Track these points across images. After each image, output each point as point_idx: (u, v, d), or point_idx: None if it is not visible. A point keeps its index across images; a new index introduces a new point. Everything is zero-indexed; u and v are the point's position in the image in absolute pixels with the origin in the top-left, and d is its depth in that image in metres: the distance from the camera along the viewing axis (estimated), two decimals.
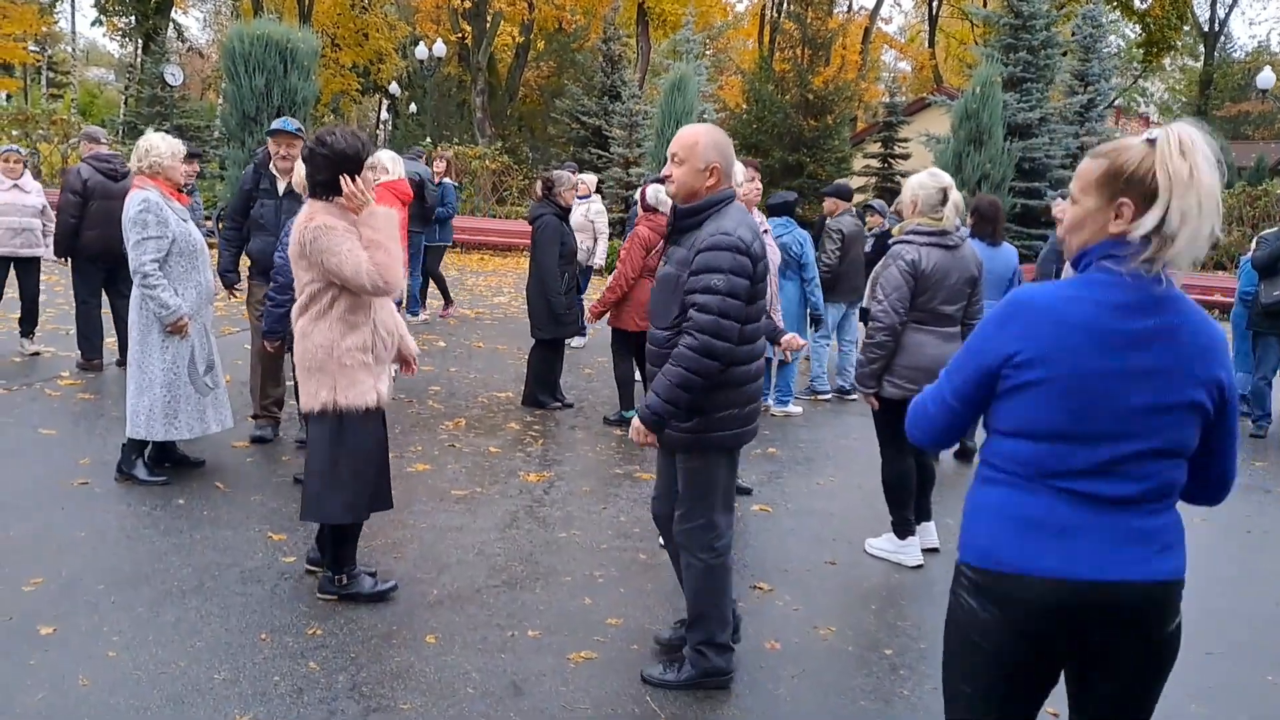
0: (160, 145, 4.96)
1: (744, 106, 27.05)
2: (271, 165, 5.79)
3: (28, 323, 7.92)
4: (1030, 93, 18.51)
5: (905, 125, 28.54)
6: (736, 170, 4.18)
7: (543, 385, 7.36)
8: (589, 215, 10.03)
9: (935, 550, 4.79)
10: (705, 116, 18.37)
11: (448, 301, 11.24)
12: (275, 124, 5.89)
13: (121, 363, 7.55)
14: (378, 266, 3.57)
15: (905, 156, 28.22)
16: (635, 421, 3.19)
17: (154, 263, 4.85)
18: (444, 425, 6.63)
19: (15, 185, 7.74)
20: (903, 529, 4.62)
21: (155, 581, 3.88)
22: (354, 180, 3.63)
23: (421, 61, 26.02)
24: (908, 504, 4.60)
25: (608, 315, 6.94)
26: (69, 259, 7.46)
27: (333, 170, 3.62)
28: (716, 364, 3.05)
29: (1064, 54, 19.53)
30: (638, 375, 7.13)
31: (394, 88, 31.84)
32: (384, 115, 45.08)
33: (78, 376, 7.24)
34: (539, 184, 7.83)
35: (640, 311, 6.77)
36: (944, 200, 4.29)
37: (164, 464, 5.21)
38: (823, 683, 3.48)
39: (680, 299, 3.11)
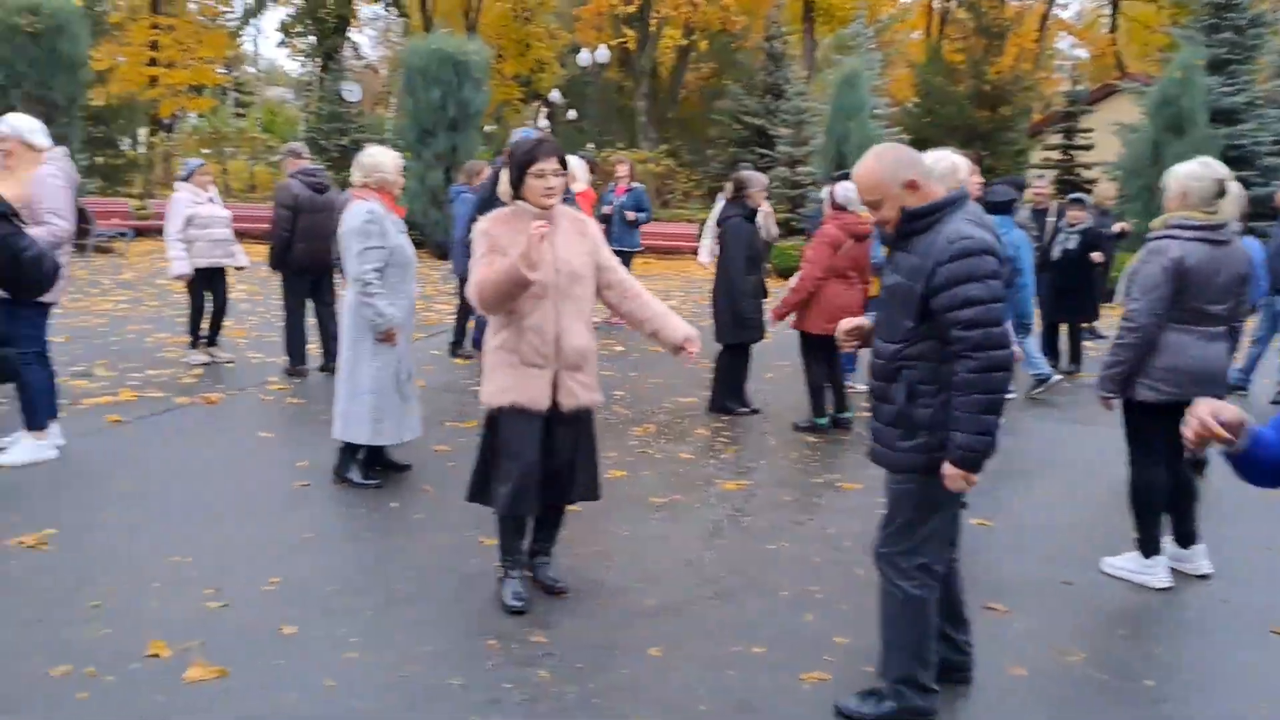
0: (386, 161, 5.12)
1: (913, 100, 26.22)
2: None
3: (214, 331, 8.28)
4: (1236, 75, 17.12)
5: (1088, 114, 27.02)
6: (959, 165, 3.90)
7: (729, 391, 7.23)
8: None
9: (1205, 577, 4.37)
10: (876, 111, 17.83)
11: None
12: (520, 134, 5.95)
13: (324, 369, 7.88)
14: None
15: (1088, 147, 26.70)
16: (948, 469, 2.90)
17: (375, 272, 4.98)
18: (633, 431, 6.59)
19: (210, 199, 8.17)
20: (1149, 547, 4.24)
21: (381, 585, 3.96)
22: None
23: (584, 68, 26.40)
24: (1156, 519, 4.22)
25: (791, 318, 6.76)
26: (279, 270, 7.78)
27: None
28: (1005, 374, 2.83)
29: (1274, 33, 17.99)
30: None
31: (554, 95, 32.39)
32: (542, 123, 46.12)
33: (285, 382, 7.59)
34: (729, 184, 7.70)
35: (827, 314, 6.55)
36: (1220, 193, 3.91)
37: (374, 468, 5.35)
38: (1078, 715, 3.20)
39: (912, 311, 2.89)
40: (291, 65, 46.83)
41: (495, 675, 3.29)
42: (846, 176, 7.63)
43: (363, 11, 36.25)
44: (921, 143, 24.14)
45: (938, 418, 2.90)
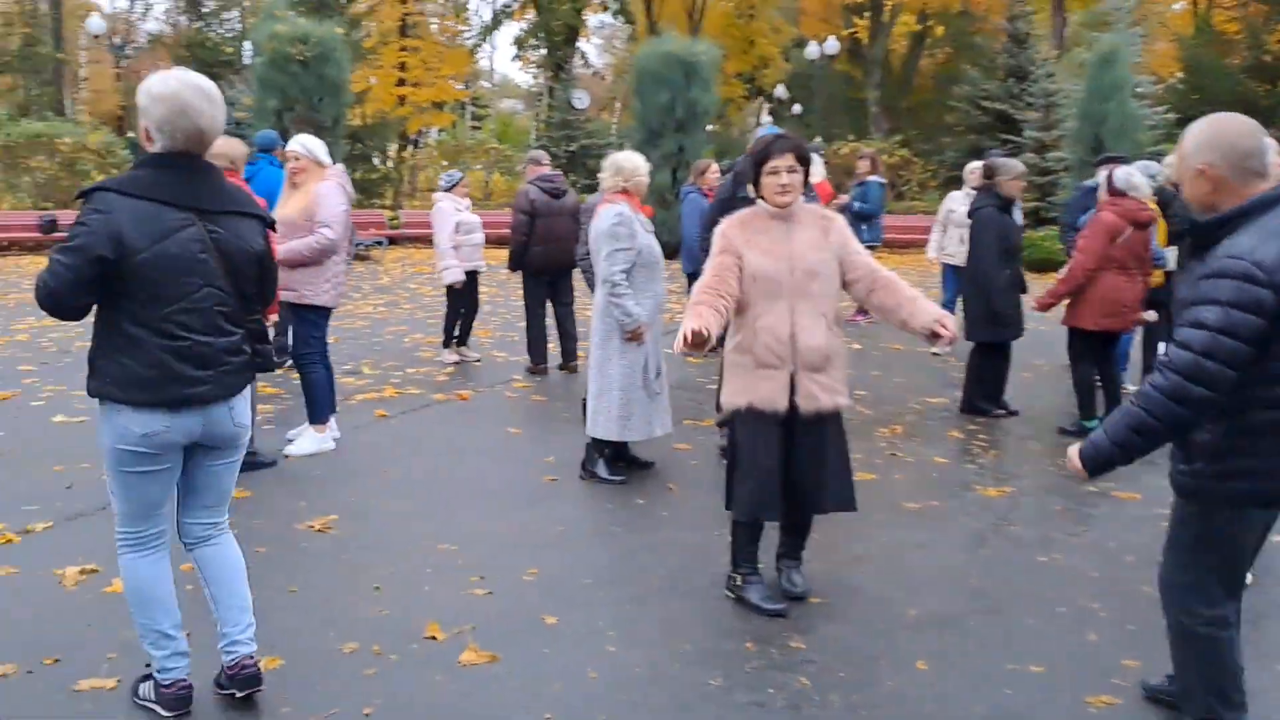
0: (641, 165, 5.20)
1: (1177, 75, 24.07)
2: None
3: (465, 332, 8.66)
4: None
5: None
6: (1269, 150, 3.41)
7: (983, 391, 6.82)
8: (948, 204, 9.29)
9: None
10: (1139, 90, 16.45)
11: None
12: (763, 131, 5.91)
13: (562, 367, 8.12)
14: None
15: None
16: (1072, 450, 2.71)
17: (622, 273, 5.05)
18: (879, 432, 6.35)
19: (467, 207, 8.58)
20: None
21: (635, 580, 3.98)
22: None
23: (812, 61, 26.01)
24: None
25: (1060, 313, 6.29)
26: (520, 272, 8.08)
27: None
28: (1188, 412, 2.48)
29: None
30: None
31: (779, 90, 32.18)
32: (763, 119, 45.92)
33: (528, 380, 7.87)
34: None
35: (1103, 309, 6.06)
36: None
37: (619, 463, 5.42)
38: None
39: None
40: (522, 77, 49.08)
41: (756, 678, 3.21)
42: (1122, 159, 7.05)
43: (590, 21, 37.37)
44: (1191, 121, 22.22)
45: (1219, 446, 2.58)
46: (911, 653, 3.40)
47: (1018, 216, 8.17)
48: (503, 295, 12.50)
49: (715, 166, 8.89)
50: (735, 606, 3.74)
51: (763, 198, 3.67)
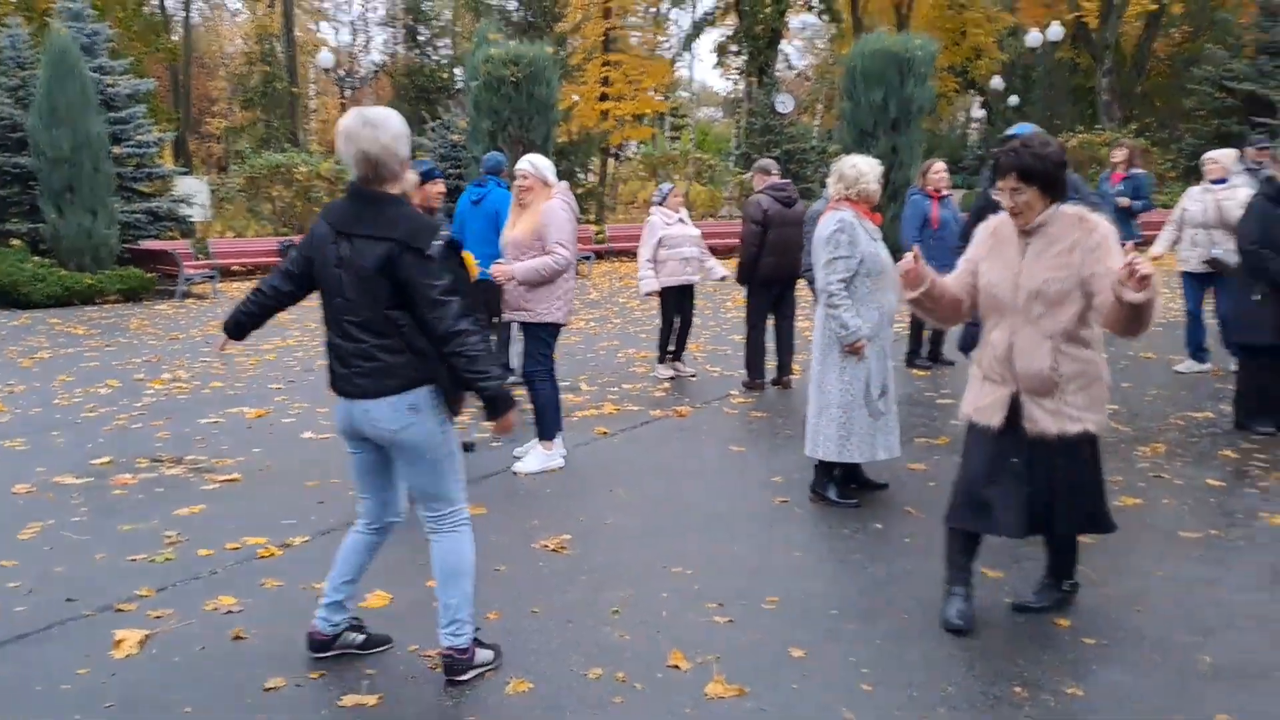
0: (868, 171, 4.97)
1: None
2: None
3: (680, 347, 8.57)
4: None
5: None
6: None
7: (1256, 405, 6.11)
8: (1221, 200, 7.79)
9: None
10: None
11: None
12: (1010, 131, 5.55)
13: (776, 382, 7.92)
14: None
15: None
16: None
17: (841, 283, 4.84)
18: (1139, 451, 5.80)
19: (680, 219, 8.53)
20: None
21: (887, 613, 3.75)
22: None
23: (1033, 49, 24.61)
24: None
25: None
26: (747, 284, 7.91)
27: None
28: None
29: None
30: None
31: (995, 81, 30.64)
32: (975, 113, 43.89)
33: (745, 395, 7.73)
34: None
35: None
36: None
37: (851, 485, 5.19)
38: None
39: None
40: (720, 83, 49.18)
41: None
42: None
43: (792, 23, 37.01)
44: None
45: None
46: (1211, 708, 3.02)
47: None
48: (711, 308, 12.46)
49: (940, 166, 8.45)
50: (1000, 647, 3.45)
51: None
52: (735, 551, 4.43)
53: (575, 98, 28.58)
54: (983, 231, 3.63)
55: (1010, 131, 5.14)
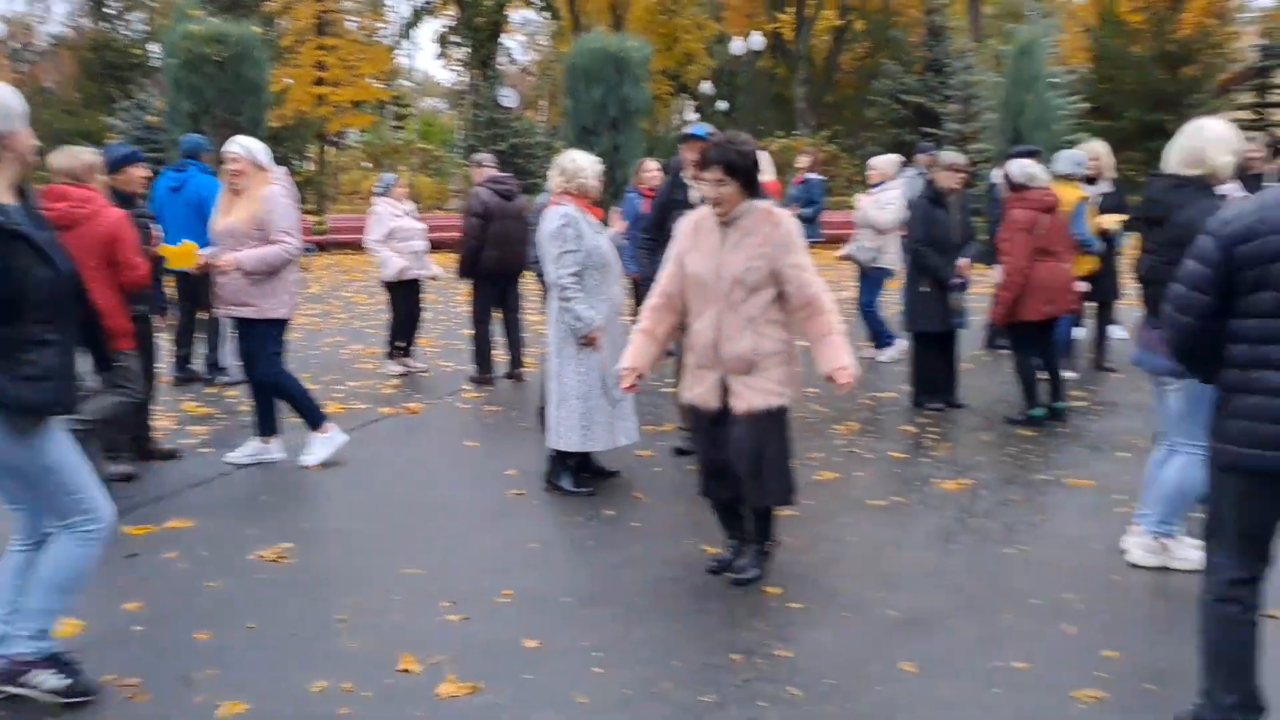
0: (587, 165, 5.09)
1: (1087, 65, 24.75)
2: (684, 174, 5.73)
3: (409, 342, 8.40)
4: None
5: None
6: None
7: (927, 385, 6.89)
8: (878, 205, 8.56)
9: None
10: (1054, 80, 16.83)
11: None
12: (689, 129, 5.82)
13: (509, 375, 7.97)
14: None
15: None
16: None
17: (572, 276, 4.95)
18: (835, 429, 6.38)
19: (407, 211, 8.38)
20: None
21: (616, 596, 3.89)
22: None
23: (737, 57, 26.14)
24: None
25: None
26: (470, 278, 7.87)
27: None
28: None
29: None
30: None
31: (705, 86, 32.25)
32: (689, 116, 45.98)
33: (477, 390, 7.71)
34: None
35: (1043, 296, 6.16)
36: None
37: (584, 474, 5.33)
38: None
39: None
40: (445, 75, 48.37)
41: (748, 692, 3.16)
42: (1033, 153, 7.14)
43: (514, 18, 37.06)
44: (1100, 111, 22.84)
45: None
46: (898, 655, 3.39)
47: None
48: (442, 302, 12.29)
49: (651, 165, 8.78)
50: (718, 619, 3.69)
51: None
52: (470, 548, 4.43)
53: (288, 81, 27.10)
54: (685, 225, 3.92)
55: (688, 131, 5.47)
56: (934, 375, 6.86)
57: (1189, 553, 4.01)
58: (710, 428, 3.87)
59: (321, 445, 5.65)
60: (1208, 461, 2.81)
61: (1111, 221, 7.32)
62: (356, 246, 18.38)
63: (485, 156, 8.27)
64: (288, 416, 5.73)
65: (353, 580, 4.07)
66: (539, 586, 3.98)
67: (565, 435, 5.05)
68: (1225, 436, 2.69)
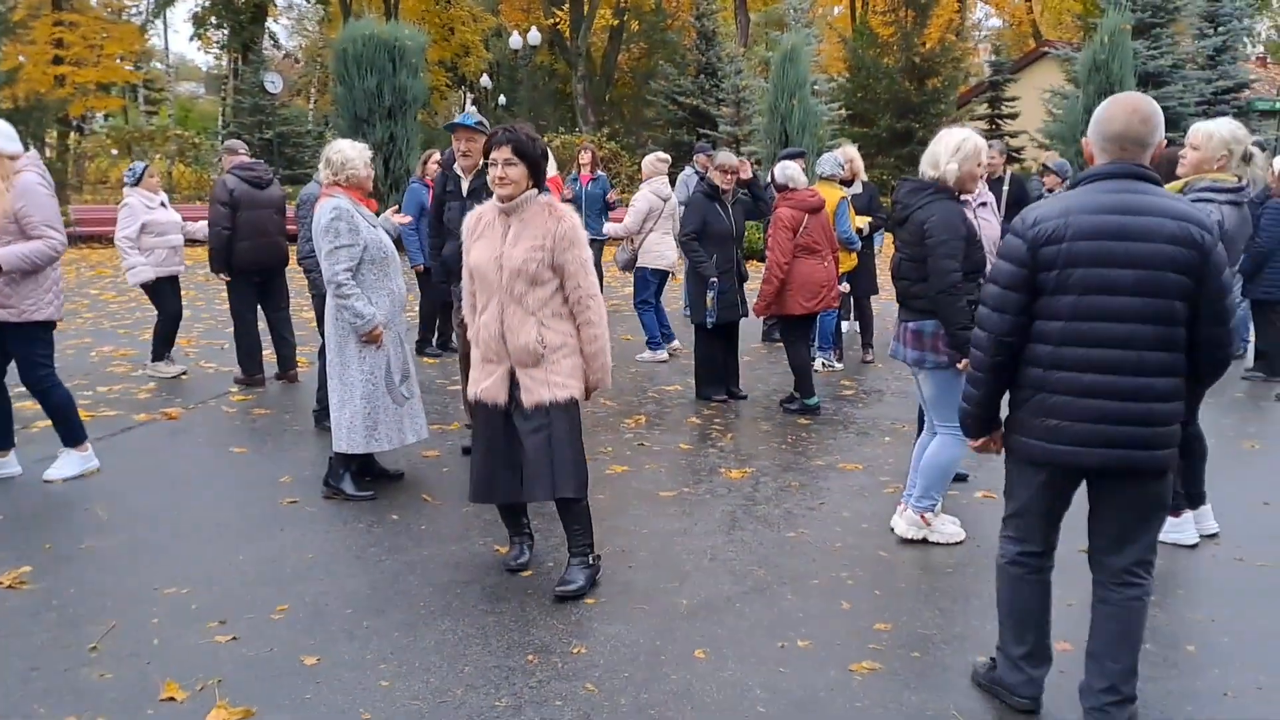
0: (355, 156, 4.85)
1: (844, 75, 26.37)
2: (456, 165, 5.58)
3: (169, 342, 7.82)
4: (1159, 39, 17.50)
5: (1012, 83, 27.53)
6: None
7: (708, 377, 7.09)
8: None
9: (1214, 535, 4.46)
10: (817, 87, 17.82)
11: None
12: (457, 119, 5.66)
13: (280, 376, 7.52)
14: None
15: (1014, 116, 27.21)
16: None
17: (347, 272, 4.72)
18: (625, 423, 6.43)
19: (162, 203, 7.76)
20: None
21: (402, 603, 3.74)
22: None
23: (515, 51, 25.97)
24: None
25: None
26: (222, 273, 7.30)
27: None
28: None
29: None
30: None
31: (485, 80, 31.87)
32: (468, 108, 45.38)
33: (245, 392, 7.24)
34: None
35: (804, 293, 6.48)
36: (1248, 157, 3.90)
37: (365, 478, 5.11)
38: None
39: None
40: (203, 59, 45.32)
41: (542, 692, 3.11)
42: (799, 155, 7.51)
43: (279, 1, 35.17)
44: (857, 118, 24.42)
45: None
46: (690, 643, 3.44)
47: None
48: (204, 299, 11.47)
49: (437, 156, 8.56)
50: (512, 620, 3.62)
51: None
52: (240, 562, 4.12)
53: (21, 59, 24.51)
54: (470, 220, 3.85)
55: (456, 120, 5.39)
56: (716, 367, 7.06)
57: (948, 527, 4.33)
58: (494, 421, 3.78)
59: (72, 462, 5.15)
60: (1008, 453, 2.93)
61: (862, 222, 7.81)
62: (105, 240, 16.88)
63: (235, 143, 7.73)
64: (32, 424, 5.16)
65: (105, 604, 3.69)
66: (317, 598, 3.76)
67: (349, 437, 4.81)
68: (1028, 432, 2.80)
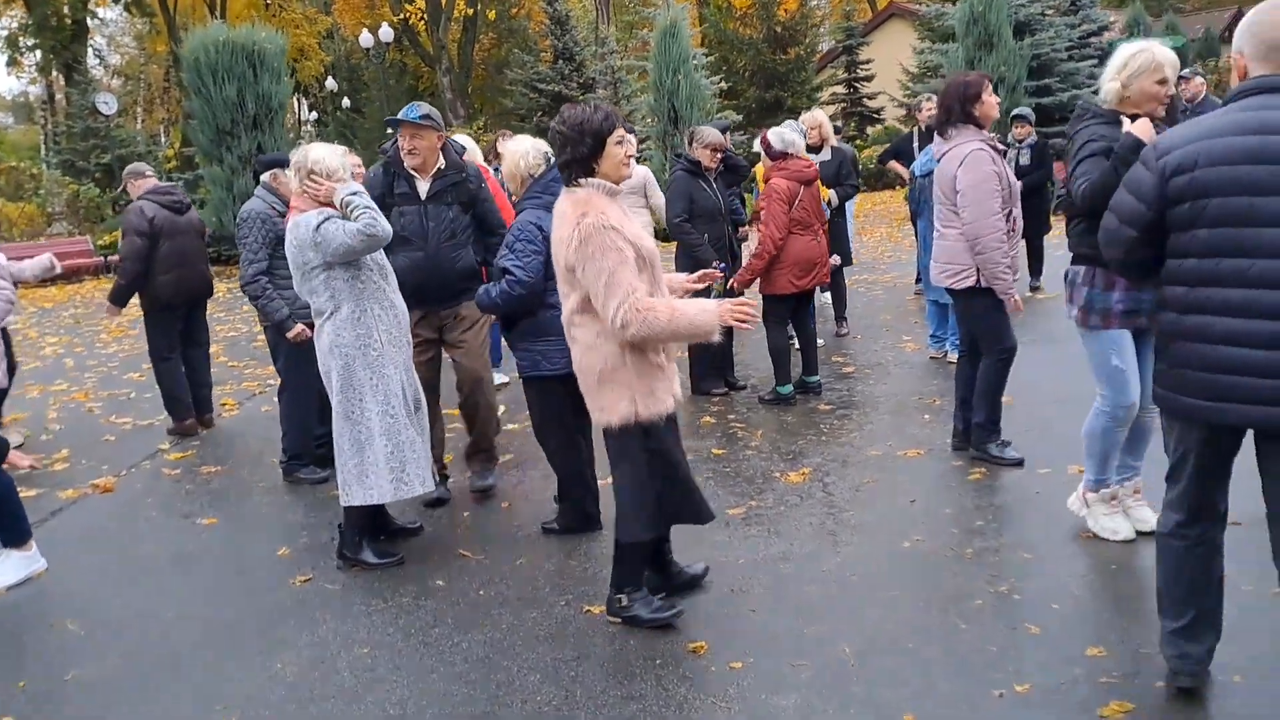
0: (339, 165, 4.06)
1: (703, 49, 26.15)
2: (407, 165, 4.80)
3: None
4: None
5: (865, 46, 27.95)
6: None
7: (705, 369, 6.53)
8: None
9: None
10: (696, 62, 17.40)
11: None
12: (401, 113, 4.87)
13: (198, 422, 6.52)
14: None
15: (869, 78, 27.64)
16: None
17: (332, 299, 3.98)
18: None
19: None
20: None
21: (515, 703, 3.00)
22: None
23: (367, 50, 24.58)
24: None
25: (760, 283, 6.18)
26: (124, 306, 6.37)
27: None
28: None
29: None
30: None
31: (330, 83, 30.15)
32: (305, 114, 43.11)
33: (182, 445, 6.24)
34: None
35: (796, 271, 6.02)
36: None
37: (380, 537, 4.31)
38: None
39: None
40: (9, 85, 41.50)
41: None
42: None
43: (103, 14, 32.44)
44: (723, 92, 24.15)
45: None
46: (890, 707, 2.87)
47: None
48: (83, 344, 10.11)
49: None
50: (662, 704, 2.96)
51: None
52: (281, 673, 3.29)
53: None
54: (581, 204, 3.25)
55: (401, 116, 4.63)
56: (714, 359, 6.51)
57: (1110, 520, 3.84)
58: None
59: (14, 566, 4.19)
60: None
61: (829, 194, 7.37)
62: None
63: (140, 165, 6.66)
64: None
65: None
66: (407, 709, 3.00)
67: (372, 485, 4.01)
68: (1165, 383, 2.56)
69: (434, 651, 3.37)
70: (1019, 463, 4.66)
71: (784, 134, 6.14)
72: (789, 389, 6.20)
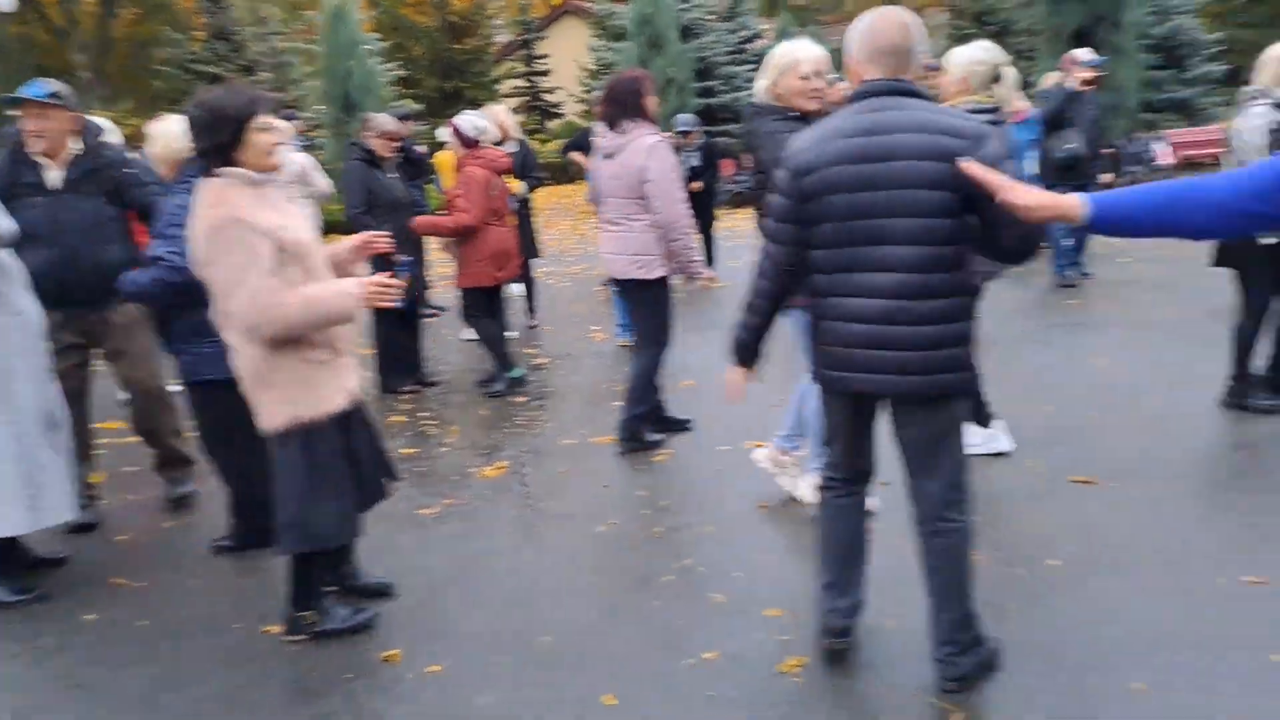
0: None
1: (380, 33, 25.34)
2: (31, 151, 4.19)
3: None
4: None
5: (542, 41, 28.37)
6: None
7: (393, 366, 6.31)
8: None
9: None
10: (370, 48, 16.78)
11: None
12: (24, 90, 4.24)
13: None
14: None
15: (547, 73, 28.09)
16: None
17: None
18: None
19: None
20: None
21: None
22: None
23: None
24: None
25: (457, 277, 6.10)
26: None
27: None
28: None
29: None
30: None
31: None
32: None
33: None
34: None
35: (495, 263, 6.02)
36: (997, 77, 4.04)
37: (16, 573, 3.75)
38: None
39: None
40: None
41: None
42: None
43: None
44: (401, 81, 23.55)
45: None
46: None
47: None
48: None
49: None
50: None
51: None
52: None
53: None
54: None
55: (22, 93, 4.10)
56: (401, 355, 6.30)
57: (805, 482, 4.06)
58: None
59: None
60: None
61: (517, 186, 7.38)
62: None
63: None
64: None
65: None
66: None
67: (6, 516, 3.48)
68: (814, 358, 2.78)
69: (90, 695, 2.98)
70: (658, 443, 4.88)
71: (475, 121, 6.06)
72: (520, 371, 6.17)
